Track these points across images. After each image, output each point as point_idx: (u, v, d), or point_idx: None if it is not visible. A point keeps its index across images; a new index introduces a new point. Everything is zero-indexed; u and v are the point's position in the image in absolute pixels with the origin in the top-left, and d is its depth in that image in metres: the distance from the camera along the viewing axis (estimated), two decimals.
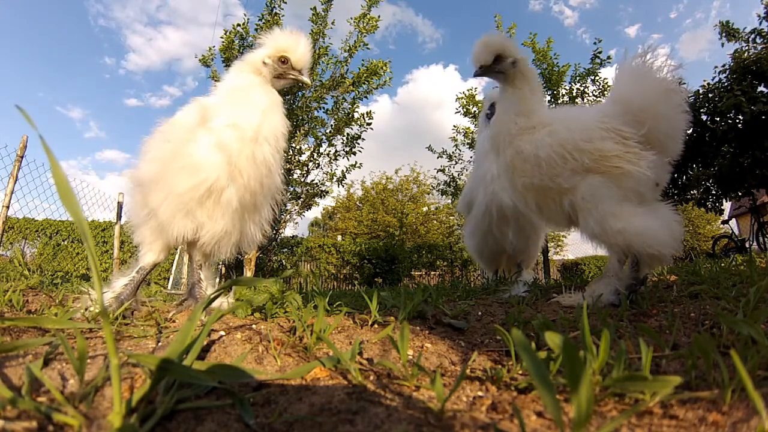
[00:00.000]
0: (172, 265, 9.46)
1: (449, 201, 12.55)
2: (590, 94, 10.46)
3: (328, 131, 9.41)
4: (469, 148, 11.47)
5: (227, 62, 8.64)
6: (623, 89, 1.66)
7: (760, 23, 9.55)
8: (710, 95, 9.48)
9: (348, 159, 9.60)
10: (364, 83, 9.19)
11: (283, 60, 1.63)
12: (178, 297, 1.82)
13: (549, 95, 10.55)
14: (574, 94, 10.43)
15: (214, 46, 8.77)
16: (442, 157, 11.85)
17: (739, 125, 9.02)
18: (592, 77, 10.39)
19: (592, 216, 1.56)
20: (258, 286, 1.55)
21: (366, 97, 9.42)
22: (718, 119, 9.33)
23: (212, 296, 0.90)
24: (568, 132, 1.62)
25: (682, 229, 1.57)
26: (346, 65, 9.04)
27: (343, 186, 10.01)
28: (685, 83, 1.62)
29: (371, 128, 9.56)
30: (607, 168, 1.54)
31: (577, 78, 10.46)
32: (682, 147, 1.65)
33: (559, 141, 1.61)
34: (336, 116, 9.35)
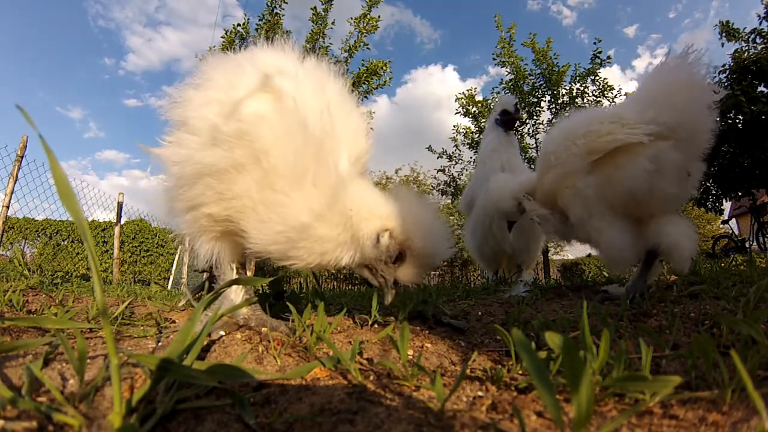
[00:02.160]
0: (171, 265, 9.46)
1: (449, 201, 12.57)
2: (590, 94, 10.47)
3: None
4: (469, 148, 11.48)
5: None
6: (646, 86, 1.72)
7: (760, 23, 9.55)
8: None
9: None
10: (364, 83, 9.20)
11: (402, 255, 1.09)
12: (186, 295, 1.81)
13: (549, 95, 10.56)
14: (574, 94, 10.43)
15: (214, 46, 8.79)
16: (442, 157, 11.87)
17: (739, 125, 9.03)
18: (592, 77, 10.39)
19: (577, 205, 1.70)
20: (258, 286, 1.55)
21: (366, 97, 9.43)
22: (718, 119, 9.32)
23: (213, 296, 0.90)
24: (573, 124, 1.79)
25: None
26: (346, 65, 9.04)
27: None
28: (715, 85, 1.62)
29: (371, 128, 9.55)
30: (603, 144, 1.59)
31: (577, 78, 10.46)
32: (708, 138, 1.62)
33: (564, 133, 1.77)
34: None
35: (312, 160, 1.00)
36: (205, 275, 1.76)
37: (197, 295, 1.70)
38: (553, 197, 1.85)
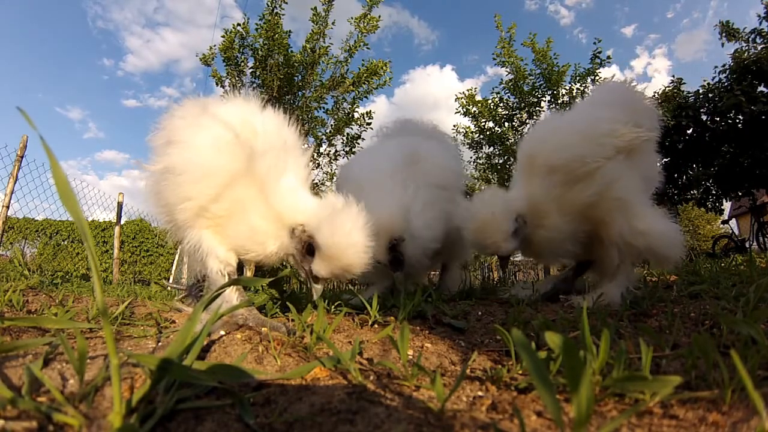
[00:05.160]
0: (171, 265, 9.47)
1: None
2: (590, 94, 10.45)
3: (328, 131, 9.42)
4: (469, 148, 11.48)
5: (227, 61, 8.65)
6: (613, 98, 1.86)
7: (760, 23, 9.55)
8: (710, 95, 9.49)
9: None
10: (364, 83, 9.20)
11: (309, 250, 1.28)
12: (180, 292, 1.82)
13: (549, 95, 10.56)
14: (574, 94, 10.43)
15: (215, 46, 8.78)
16: None
17: (739, 125, 9.03)
18: (592, 77, 10.38)
19: (622, 215, 1.60)
20: (257, 286, 1.55)
21: (366, 97, 9.43)
22: (718, 119, 9.34)
23: (212, 296, 0.90)
24: (580, 126, 1.70)
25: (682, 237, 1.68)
26: (346, 65, 9.05)
27: None
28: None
29: (371, 128, 9.58)
30: (627, 143, 1.62)
31: (577, 78, 10.46)
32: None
33: (582, 135, 1.63)
34: (336, 116, 9.36)
35: (268, 179, 1.29)
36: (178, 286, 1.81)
37: (184, 296, 1.73)
38: (583, 210, 1.63)
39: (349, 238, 1.21)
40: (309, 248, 1.28)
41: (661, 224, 1.60)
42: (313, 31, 8.58)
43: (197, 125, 1.33)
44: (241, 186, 1.27)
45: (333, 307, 1.48)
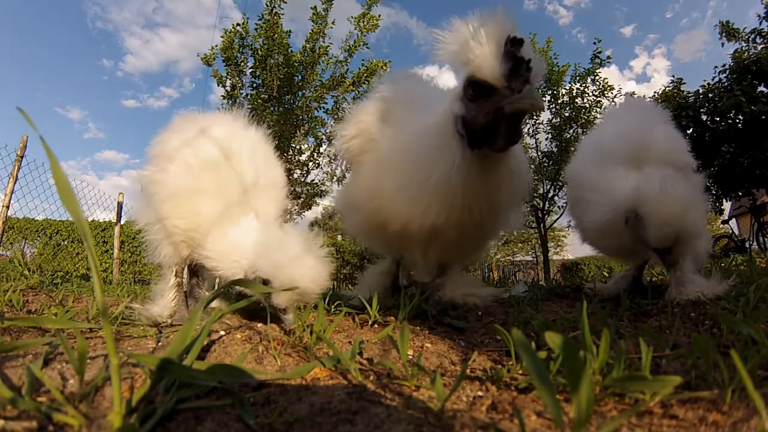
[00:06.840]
0: None
1: None
2: (590, 94, 10.47)
3: (328, 131, 9.43)
4: None
5: (227, 62, 8.66)
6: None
7: (760, 23, 9.56)
8: (710, 95, 9.49)
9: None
10: (364, 83, 9.21)
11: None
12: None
13: (549, 95, 10.57)
14: (574, 94, 10.44)
15: (216, 46, 8.80)
16: None
17: (739, 125, 9.03)
18: (592, 77, 10.40)
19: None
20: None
21: (366, 97, 9.43)
22: (718, 119, 9.34)
23: (212, 296, 0.90)
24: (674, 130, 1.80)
25: None
26: (346, 65, 9.05)
27: (343, 186, 10.08)
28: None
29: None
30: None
31: (577, 78, 10.47)
32: None
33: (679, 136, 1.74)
34: (336, 116, 9.37)
35: (237, 205, 1.31)
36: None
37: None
38: None
39: (294, 264, 1.17)
40: (266, 282, 1.24)
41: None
42: (312, 30, 8.59)
43: (178, 143, 1.39)
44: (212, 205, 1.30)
45: (333, 307, 1.48)
